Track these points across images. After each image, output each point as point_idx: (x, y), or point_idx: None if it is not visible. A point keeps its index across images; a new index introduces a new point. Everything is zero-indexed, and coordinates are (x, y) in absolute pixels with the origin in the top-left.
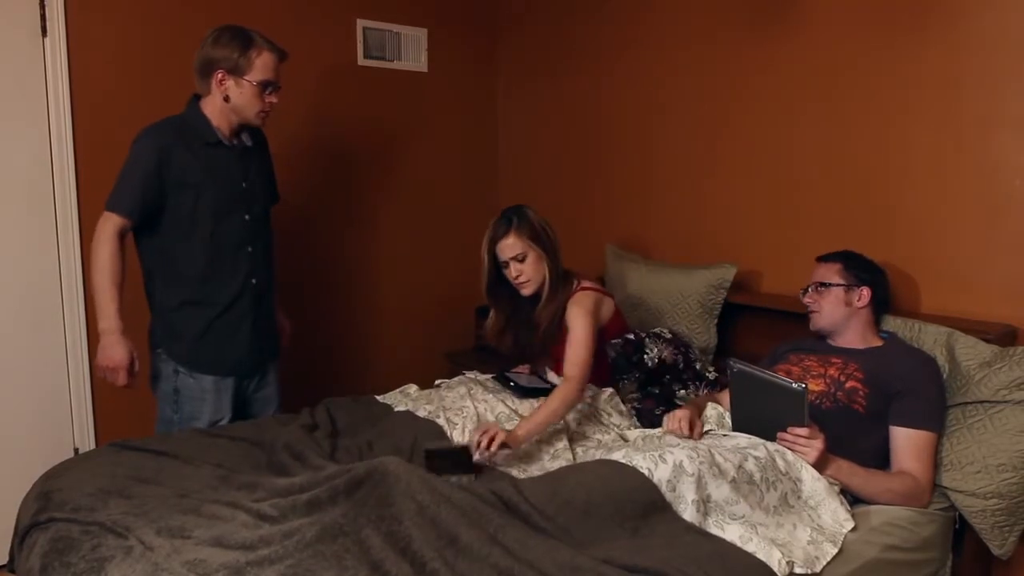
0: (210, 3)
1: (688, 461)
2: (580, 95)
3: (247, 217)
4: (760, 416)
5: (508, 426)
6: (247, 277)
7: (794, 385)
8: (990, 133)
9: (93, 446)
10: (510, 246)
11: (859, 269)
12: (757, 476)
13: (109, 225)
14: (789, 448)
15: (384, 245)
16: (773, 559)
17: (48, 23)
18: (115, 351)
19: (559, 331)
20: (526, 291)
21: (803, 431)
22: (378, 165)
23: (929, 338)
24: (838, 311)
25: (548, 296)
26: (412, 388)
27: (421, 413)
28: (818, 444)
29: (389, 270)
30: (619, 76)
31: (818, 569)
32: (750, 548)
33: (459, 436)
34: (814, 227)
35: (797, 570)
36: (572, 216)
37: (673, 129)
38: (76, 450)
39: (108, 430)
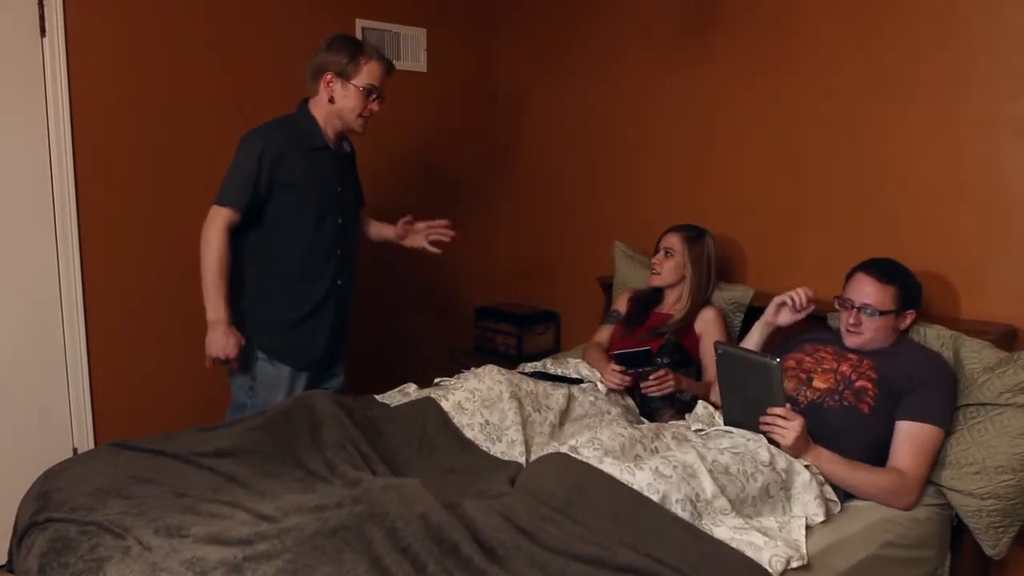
0: (209, 3)
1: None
2: (580, 94)
3: (340, 221)
4: (747, 399)
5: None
6: (335, 279)
7: (768, 359)
8: (992, 134)
9: (92, 446)
10: (669, 240)
11: (911, 292)
12: (734, 468)
13: (219, 219)
14: (768, 431)
15: (383, 245)
16: (764, 558)
17: (47, 23)
18: (228, 341)
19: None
20: (653, 281)
21: (779, 410)
22: (377, 165)
23: (935, 341)
24: (884, 335)
25: (683, 303)
26: (411, 387)
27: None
28: (795, 426)
29: (388, 270)
30: (619, 75)
31: (803, 550)
32: (737, 544)
33: (468, 420)
34: (819, 227)
35: (793, 564)
36: (572, 215)
37: (675, 128)
38: (75, 450)
39: (107, 430)
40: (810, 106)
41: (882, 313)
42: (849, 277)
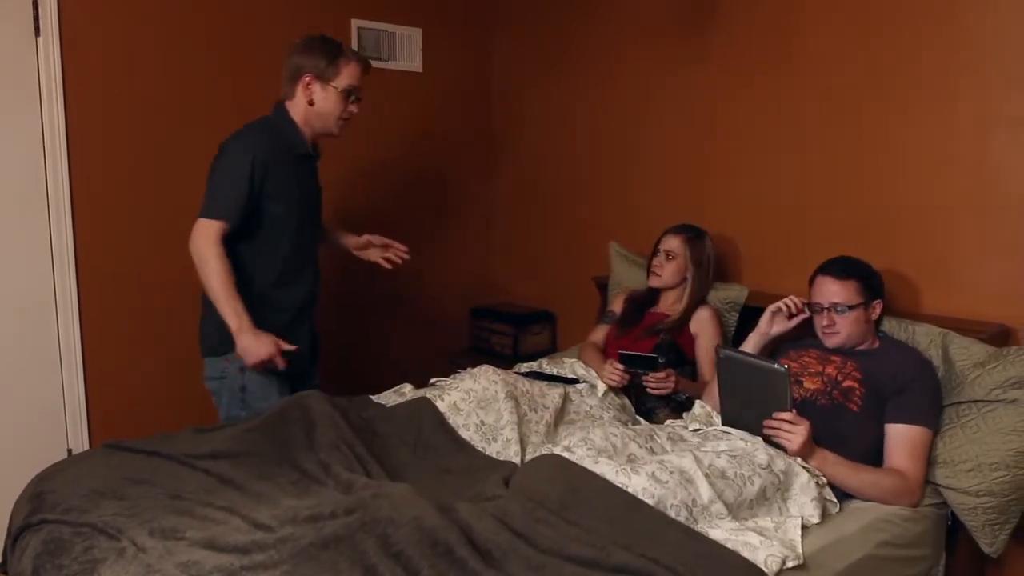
0: (206, 3)
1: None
2: (577, 94)
3: (315, 228)
4: (748, 403)
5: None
6: (312, 285)
7: (776, 365)
8: (985, 134)
9: (87, 447)
10: (670, 243)
11: (872, 281)
12: (731, 472)
13: (212, 232)
14: (774, 435)
15: None
16: (760, 558)
17: (41, 23)
18: (264, 344)
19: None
20: (653, 282)
21: (787, 415)
22: (373, 165)
23: (924, 339)
24: (859, 329)
25: (683, 304)
26: (407, 387)
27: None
28: (803, 430)
29: (385, 270)
30: (617, 75)
31: (799, 550)
32: (733, 544)
33: (463, 420)
34: (815, 227)
35: (789, 564)
36: (568, 215)
37: (672, 128)
38: (69, 451)
39: (102, 431)
40: (808, 106)
41: (851, 307)
42: (811, 283)
